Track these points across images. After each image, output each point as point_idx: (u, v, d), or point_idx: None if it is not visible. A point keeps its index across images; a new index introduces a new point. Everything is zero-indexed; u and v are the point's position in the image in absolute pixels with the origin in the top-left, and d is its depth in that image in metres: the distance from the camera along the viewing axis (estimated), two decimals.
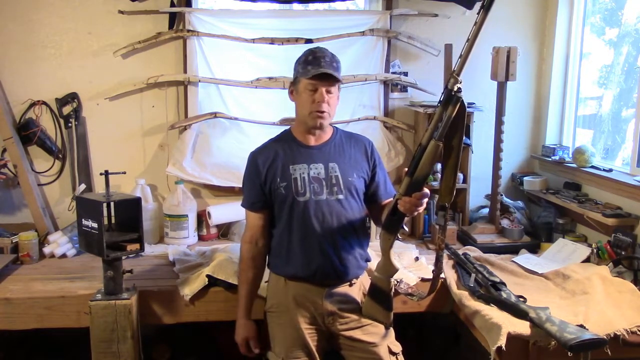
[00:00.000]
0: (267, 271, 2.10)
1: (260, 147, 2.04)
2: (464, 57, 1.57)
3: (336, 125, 2.15)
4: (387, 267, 1.89)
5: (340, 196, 1.93)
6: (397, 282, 2.19)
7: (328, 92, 1.88)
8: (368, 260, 2.07)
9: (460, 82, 1.58)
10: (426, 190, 1.71)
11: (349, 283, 1.99)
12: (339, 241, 1.93)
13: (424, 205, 1.75)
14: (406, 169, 1.74)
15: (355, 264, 1.99)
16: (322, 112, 1.88)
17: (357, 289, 2.02)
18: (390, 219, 1.83)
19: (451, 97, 1.59)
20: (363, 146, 2.04)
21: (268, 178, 1.95)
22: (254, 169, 1.99)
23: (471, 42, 1.54)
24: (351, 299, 1.99)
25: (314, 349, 1.94)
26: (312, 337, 1.95)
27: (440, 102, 1.62)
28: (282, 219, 1.96)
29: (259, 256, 2.04)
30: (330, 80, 1.86)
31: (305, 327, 1.94)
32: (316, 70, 1.83)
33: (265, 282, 2.12)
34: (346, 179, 1.94)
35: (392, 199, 1.94)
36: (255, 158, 2.00)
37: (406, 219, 1.83)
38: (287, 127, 2.07)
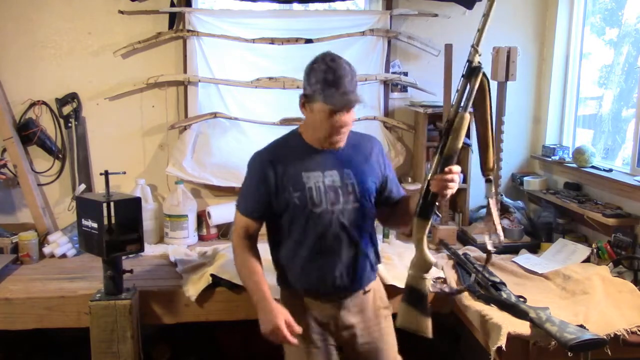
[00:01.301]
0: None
1: (267, 149, 1.84)
2: (481, 31, 1.68)
3: None
4: (422, 262, 1.74)
5: (357, 204, 1.80)
6: (434, 281, 2.03)
7: (348, 112, 1.71)
8: (379, 262, 1.96)
9: (480, 55, 1.63)
10: (457, 166, 1.64)
11: (363, 291, 1.88)
12: (356, 250, 1.81)
13: (457, 183, 1.65)
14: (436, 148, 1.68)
15: (370, 270, 1.88)
16: (342, 134, 1.74)
17: (372, 295, 1.92)
18: (423, 203, 1.70)
19: (473, 69, 1.62)
20: (373, 147, 1.91)
21: (279, 186, 1.77)
22: (261, 174, 1.79)
23: (487, 15, 1.72)
24: (369, 308, 1.89)
25: None
26: (328, 353, 1.85)
27: (463, 75, 1.64)
28: (295, 231, 1.80)
29: (255, 248, 1.87)
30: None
31: (323, 345, 1.84)
32: (341, 99, 1.65)
33: (275, 299, 1.95)
34: (362, 186, 1.81)
35: (403, 194, 1.93)
36: (262, 161, 1.80)
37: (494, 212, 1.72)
38: (293, 128, 1.90)
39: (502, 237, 1.72)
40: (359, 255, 1.82)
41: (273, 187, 1.77)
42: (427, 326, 1.77)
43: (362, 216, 1.82)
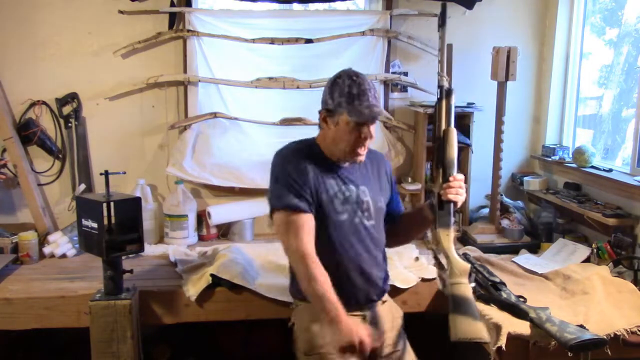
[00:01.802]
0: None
1: (289, 150, 1.82)
2: (441, 62, 1.91)
3: None
4: (458, 267, 1.74)
5: (372, 222, 1.83)
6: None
7: (372, 124, 1.75)
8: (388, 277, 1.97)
9: (447, 80, 1.89)
10: (460, 174, 1.78)
11: (381, 302, 1.91)
12: (373, 263, 1.84)
13: (464, 189, 1.78)
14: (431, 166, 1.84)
15: (384, 283, 1.91)
16: (364, 148, 1.77)
17: (389, 305, 1.96)
18: (439, 213, 1.78)
19: (447, 91, 1.83)
20: (383, 164, 1.96)
21: (312, 182, 1.75)
22: (289, 168, 1.75)
23: (442, 50, 1.90)
24: (388, 319, 1.90)
25: None
26: None
27: (439, 99, 1.84)
28: (321, 237, 1.74)
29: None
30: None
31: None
32: (368, 111, 1.69)
33: (291, 323, 1.93)
34: (375, 204, 1.84)
35: (403, 211, 2.01)
36: (287, 159, 1.78)
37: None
38: (293, 127, 1.98)
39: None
40: (377, 266, 1.86)
41: (311, 180, 1.74)
42: (482, 330, 1.70)
43: (377, 233, 1.86)
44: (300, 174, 1.74)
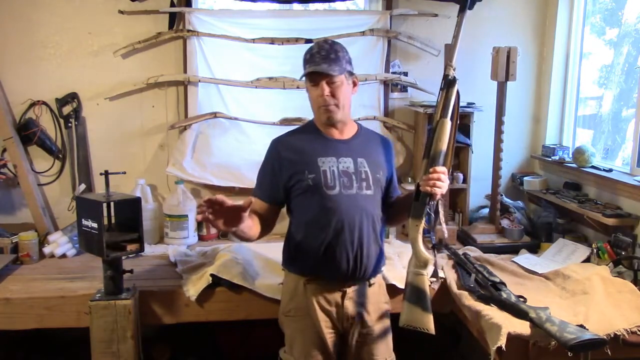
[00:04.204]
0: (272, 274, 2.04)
1: (285, 135, 1.97)
2: (453, 49, 1.89)
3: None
4: (419, 258, 1.80)
5: (369, 192, 1.87)
6: (431, 282, 2.01)
7: (331, 83, 1.81)
8: (384, 256, 2.02)
9: (455, 69, 1.83)
10: (442, 167, 1.75)
11: (368, 283, 1.93)
12: (365, 238, 1.86)
13: (446, 183, 1.74)
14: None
15: (376, 261, 1.92)
16: (328, 105, 1.83)
17: (377, 288, 1.97)
18: (414, 204, 1.80)
19: (450, 81, 1.81)
20: (386, 147, 2.01)
21: (291, 168, 1.86)
22: (275, 156, 1.90)
23: (456, 37, 1.88)
24: (372, 301, 1.93)
25: (332, 352, 1.89)
26: (332, 340, 1.89)
27: (441, 88, 1.81)
28: (307, 213, 1.86)
29: (259, 217, 1.88)
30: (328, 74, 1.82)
31: (327, 332, 1.88)
32: (310, 68, 1.81)
33: (280, 284, 2.07)
34: (374, 175, 1.89)
35: (400, 194, 2.04)
36: (278, 145, 1.92)
37: (441, 211, 1.80)
38: (308, 120, 2.04)
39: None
40: (368, 243, 1.87)
41: (286, 168, 1.86)
42: (430, 322, 1.79)
43: (374, 204, 1.89)
44: (275, 162, 1.89)
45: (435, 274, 1.86)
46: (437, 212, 1.81)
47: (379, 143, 1.99)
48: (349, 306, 1.89)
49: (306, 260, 1.88)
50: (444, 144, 1.76)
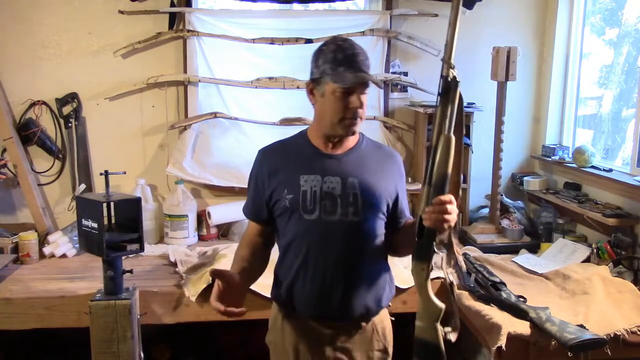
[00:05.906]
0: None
1: (271, 147, 1.69)
2: (450, 43, 1.46)
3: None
4: (429, 309, 1.48)
5: (356, 218, 1.56)
6: (445, 332, 1.52)
7: (362, 93, 1.55)
8: (389, 296, 1.70)
9: (454, 68, 1.47)
10: (448, 195, 1.40)
11: (359, 326, 1.63)
12: (351, 271, 1.58)
13: (454, 214, 1.39)
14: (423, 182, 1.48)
15: (369, 300, 1.61)
16: (357, 118, 1.56)
17: (370, 333, 1.65)
18: (418, 243, 1.46)
19: (449, 84, 1.47)
20: (392, 163, 1.69)
21: (272, 185, 1.61)
22: (259, 170, 1.66)
23: (453, 25, 1.44)
24: (362, 348, 1.64)
25: None
26: None
27: (439, 93, 1.46)
28: (284, 237, 1.63)
29: (254, 244, 1.70)
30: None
31: None
32: (354, 77, 1.50)
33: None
34: (366, 199, 1.57)
35: (410, 219, 1.68)
36: (262, 159, 1.66)
37: (441, 237, 1.46)
38: (293, 127, 1.82)
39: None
40: (353, 279, 1.58)
41: (267, 184, 1.62)
42: None
43: (362, 233, 1.59)
44: (258, 177, 1.65)
45: (453, 323, 1.51)
46: (449, 245, 1.49)
47: (382, 158, 1.67)
48: (329, 352, 1.61)
49: (280, 288, 1.66)
50: (449, 166, 1.41)
